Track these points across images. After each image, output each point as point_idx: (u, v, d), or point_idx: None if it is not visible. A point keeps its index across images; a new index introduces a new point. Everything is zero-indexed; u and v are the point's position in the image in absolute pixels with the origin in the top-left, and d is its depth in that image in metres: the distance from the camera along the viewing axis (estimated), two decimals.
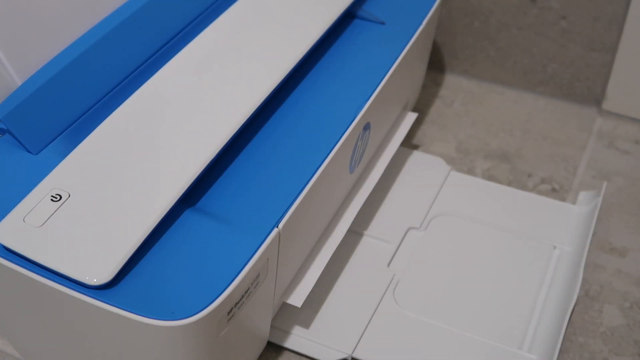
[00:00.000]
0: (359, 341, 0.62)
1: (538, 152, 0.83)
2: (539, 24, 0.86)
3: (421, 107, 0.89)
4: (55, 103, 0.53)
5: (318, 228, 0.62)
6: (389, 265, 0.68)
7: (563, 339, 0.62)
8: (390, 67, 0.64)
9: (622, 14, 0.81)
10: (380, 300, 0.65)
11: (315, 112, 0.59)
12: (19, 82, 0.54)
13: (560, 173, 0.80)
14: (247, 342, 0.56)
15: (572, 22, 0.84)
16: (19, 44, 0.54)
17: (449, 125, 0.86)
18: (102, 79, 0.56)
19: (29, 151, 0.52)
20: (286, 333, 0.63)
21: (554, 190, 0.78)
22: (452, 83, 0.93)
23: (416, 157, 0.79)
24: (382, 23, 0.69)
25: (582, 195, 0.75)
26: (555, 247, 0.70)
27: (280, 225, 0.51)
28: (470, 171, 0.81)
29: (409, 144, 0.83)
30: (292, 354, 0.63)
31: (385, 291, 0.65)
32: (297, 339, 0.62)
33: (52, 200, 0.47)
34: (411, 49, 0.68)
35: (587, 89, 0.88)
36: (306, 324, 0.63)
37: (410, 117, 0.77)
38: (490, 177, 0.80)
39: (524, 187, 0.79)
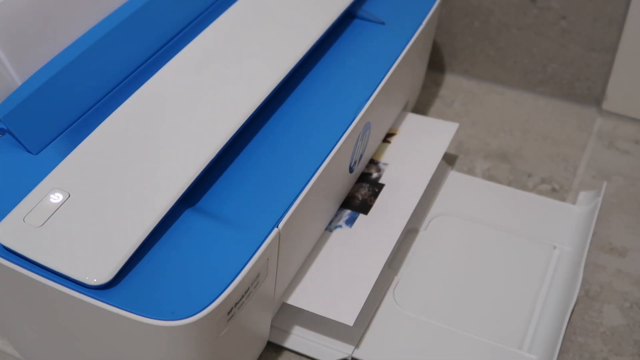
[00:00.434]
0: (359, 341, 0.62)
1: (538, 152, 0.83)
2: (539, 24, 0.86)
3: (421, 107, 0.89)
4: (55, 103, 0.53)
5: (318, 228, 0.62)
6: (389, 265, 0.68)
7: (563, 339, 0.62)
8: (390, 67, 0.64)
9: (622, 14, 0.81)
10: (381, 300, 0.65)
11: (316, 112, 0.59)
12: (19, 82, 0.54)
13: (560, 173, 0.80)
14: (247, 342, 0.56)
15: (572, 22, 0.84)
16: (19, 44, 0.54)
17: None
18: (102, 79, 0.56)
19: (29, 151, 0.52)
20: (286, 333, 0.63)
21: (554, 190, 0.78)
22: (452, 83, 0.93)
23: None
24: (382, 23, 0.69)
25: (582, 195, 0.75)
26: (555, 247, 0.70)
27: (280, 225, 0.51)
28: (470, 171, 0.81)
29: None
30: (292, 354, 0.63)
31: (386, 291, 0.65)
32: (297, 339, 0.62)
33: (52, 200, 0.47)
34: (411, 49, 0.68)
35: (587, 89, 0.88)
36: (306, 324, 0.63)
37: (452, 127, 0.75)
38: (490, 177, 0.80)
39: (524, 187, 0.79)
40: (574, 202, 0.76)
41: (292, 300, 0.59)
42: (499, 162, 0.82)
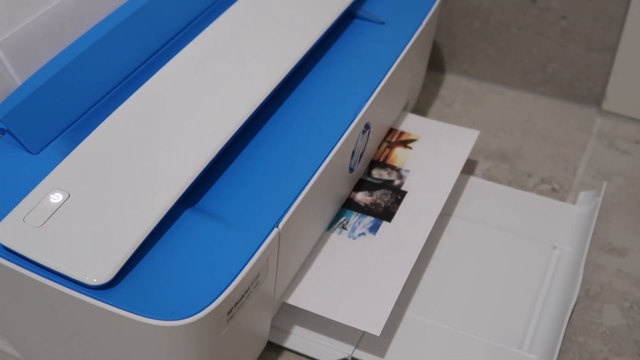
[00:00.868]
0: (359, 341, 0.62)
1: (538, 152, 0.83)
2: (539, 24, 0.86)
3: (421, 107, 0.89)
4: (55, 103, 0.53)
5: (318, 228, 0.62)
6: None
7: (563, 339, 0.62)
8: (390, 67, 0.64)
9: (622, 14, 0.81)
10: None
11: (315, 112, 0.59)
12: (19, 82, 0.54)
13: (560, 173, 0.80)
14: (247, 342, 0.56)
15: (572, 22, 0.84)
16: (19, 44, 0.54)
17: None
18: (102, 79, 0.56)
19: (29, 151, 0.52)
20: (286, 333, 0.63)
21: (554, 190, 0.78)
22: (452, 83, 0.93)
23: None
24: (382, 23, 0.69)
25: (582, 195, 0.75)
26: (555, 247, 0.70)
27: (280, 225, 0.51)
28: (470, 171, 0.81)
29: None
30: (292, 354, 0.63)
31: None
32: (297, 339, 0.62)
33: (52, 200, 0.47)
34: (411, 49, 0.68)
35: (587, 89, 0.88)
36: (306, 324, 0.63)
37: (473, 135, 0.75)
38: (490, 177, 0.80)
39: (524, 187, 0.79)
40: (574, 202, 0.76)
41: (316, 309, 0.59)
42: (499, 162, 0.82)
